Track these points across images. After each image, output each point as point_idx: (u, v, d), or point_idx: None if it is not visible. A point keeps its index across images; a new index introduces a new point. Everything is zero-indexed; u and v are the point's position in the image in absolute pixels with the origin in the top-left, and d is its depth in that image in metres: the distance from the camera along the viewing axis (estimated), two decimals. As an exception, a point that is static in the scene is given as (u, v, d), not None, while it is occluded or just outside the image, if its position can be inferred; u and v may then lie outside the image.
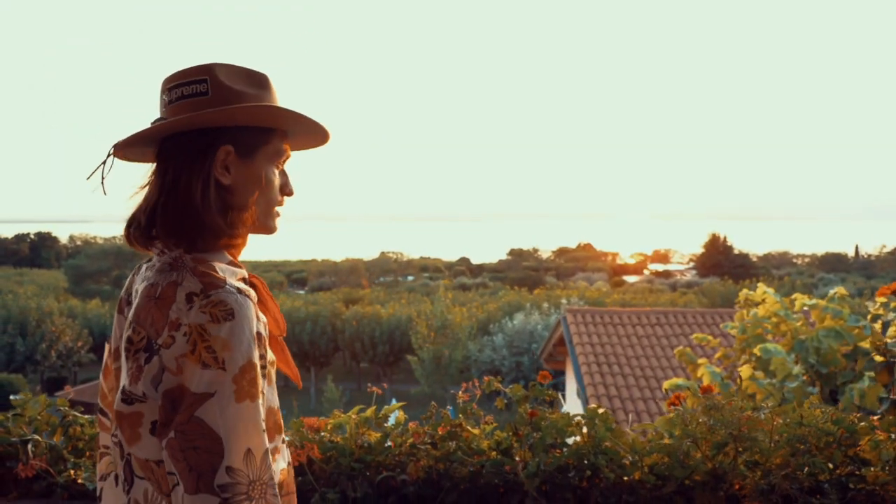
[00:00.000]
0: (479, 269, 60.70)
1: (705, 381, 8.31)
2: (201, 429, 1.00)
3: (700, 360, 8.34)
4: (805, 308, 8.24)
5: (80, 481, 2.00)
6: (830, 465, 1.91)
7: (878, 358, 7.63)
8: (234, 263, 1.18)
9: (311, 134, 1.25)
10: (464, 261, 66.61)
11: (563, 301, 28.13)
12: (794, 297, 8.63)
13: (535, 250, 67.20)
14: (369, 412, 2.38)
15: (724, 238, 54.45)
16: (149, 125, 1.16)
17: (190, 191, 1.13)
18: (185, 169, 1.14)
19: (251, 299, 1.09)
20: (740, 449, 1.94)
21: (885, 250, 63.53)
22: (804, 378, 7.43)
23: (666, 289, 43.61)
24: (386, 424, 2.36)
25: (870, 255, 63.19)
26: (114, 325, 1.23)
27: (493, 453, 2.12)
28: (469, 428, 2.20)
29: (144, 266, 1.20)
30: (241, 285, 1.11)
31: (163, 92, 1.18)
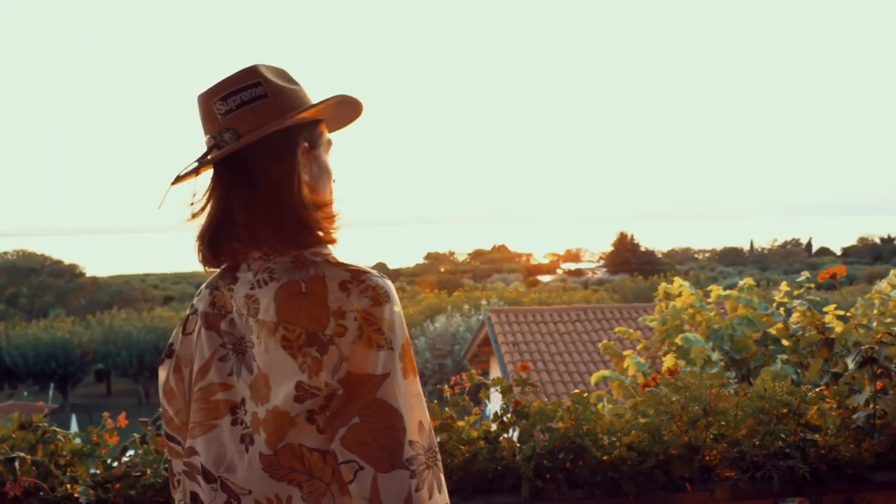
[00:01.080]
0: (396, 274, 60.73)
1: (631, 372, 8.72)
2: (385, 409, 1.04)
3: (626, 353, 8.78)
4: (720, 298, 8.81)
5: (76, 495, 1.97)
6: (787, 433, 2.13)
7: (786, 342, 8.13)
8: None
9: (345, 116, 1.28)
10: (380, 266, 66.47)
11: (483, 302, 28.58)
12: (709, 288, 9.20)
13: (451, 253, 67.91)
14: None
15: (632, 236, 56.84)
16: (228, 140, 1.13)
17: (288, 191, 1.15)
18: (276, 170, 1.15)
19: None
20: (710, 422, 2.13)
21: (777, 244, 68.10)
22: (721, 364, 7.95)
23: (579, 287, 45.01)
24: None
25: (763, 249, 67.51)
26: (200, 342, 1.19)
27: (482, 442, 2.23)
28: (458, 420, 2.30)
29: (244, 275, 1.15)
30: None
31: (212, 103, 1.16)
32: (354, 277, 1.09)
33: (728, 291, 9.18)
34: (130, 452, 2.30)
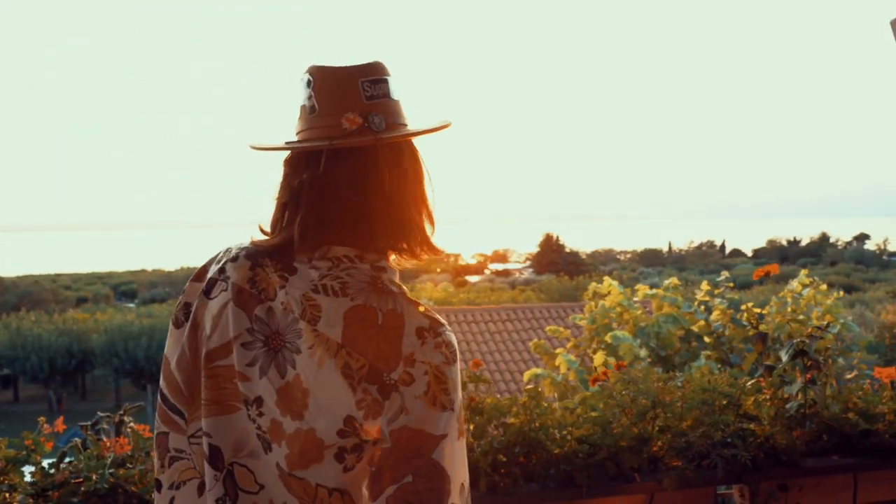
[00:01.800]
0: (324, 275, 59.79)
1: (562, 370, 8.93)
2: (438, 471, 1.01)
3: (557, 351, 8.97)
4: (646, 298, 9.13)
5: None
6: (728, 423, 2.23)
7: (708, 339, 8.47)
8: None
9: None
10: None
11: (413, 302, 28.51)
12: (636, 287, 9.52)
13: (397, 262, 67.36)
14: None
15: (557, 238, 58.03)
16: (378, 123, 1.08)
17: (424, 190, 1.14)
18: (413, 174, 1.13)
19: None
20: (657, 414, 2.21)
21: (693, 245, 71.02)
22: (649, 360, 8.24)
23: (506, 287, 45.60)
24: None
25: (681, 250, 70.26)
26: (225, 316, 1.10)
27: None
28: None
29: (306, 271, 1.08)
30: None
31: (360, 82, 1.09)
32: (433, 327, 1.06)
33: (654, 291, 9.52)
34: (68, 459, 2.20)
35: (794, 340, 2.36)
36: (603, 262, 62.06)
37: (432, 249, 1.16)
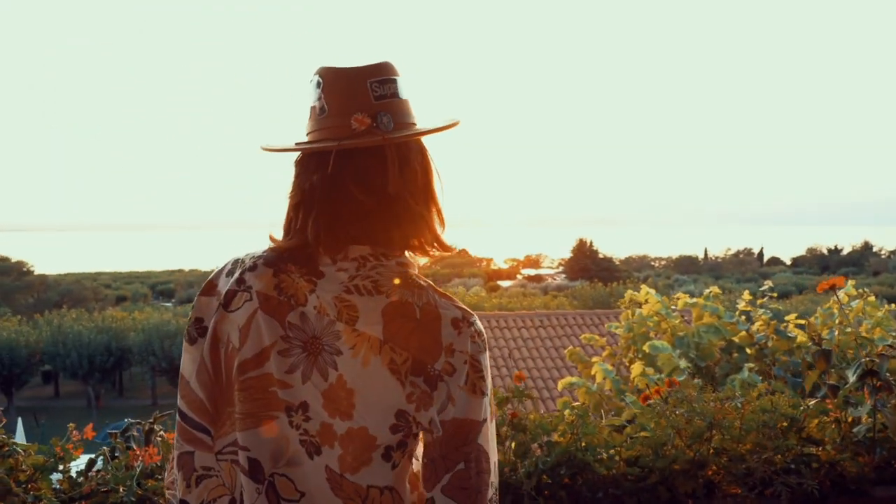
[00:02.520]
0: (357, 277, 60.11)
1: (598, 379, 8.76)
2: (483, 454, 1.06)
3: (593, 359, 8.79)
4: (687, 307, 8.90)
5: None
6: (790, 447, 2.07)
7: (750, 350, 8.20)
8: None
9: None
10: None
11: (445, 306, 28.44)
12: (676, 296, 9.30)
13: (412, 257, 67.60)
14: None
15: (591, 243, 57.45)
16: (387, 123, 1.09)
17: (434, 189, 1.15)
18: (423, 172, 1.14)
19: None
20: (714, 437, 2.06)
21: (730, 253, 69.66)
22: (689, 372, 8.01)
23: (538, 292, 45.29)
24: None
25: (717, 258, 69.01)
26: (256, 324, 1.08)
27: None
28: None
29: (333, 273, 1.08)
30: None
31: (368, 82, 1.10)
32: (465, 318, 1.09)
33: (695, 300, 9.29)
34: (97, 467, 2.14)
35: (863, 359, 2.19)
36: (637, 269, 61.33)
37: (443, 246, 1.17)
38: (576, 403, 2.09)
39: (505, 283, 57.01)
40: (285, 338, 1.07)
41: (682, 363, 8.54)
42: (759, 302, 7.55)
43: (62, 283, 45.49)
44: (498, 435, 2.19)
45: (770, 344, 7.28)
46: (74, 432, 2.16)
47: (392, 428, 1.05)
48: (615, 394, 8.36)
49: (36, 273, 45.17)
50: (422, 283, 1.12)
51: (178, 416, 1.14)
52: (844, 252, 65.95)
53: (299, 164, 1.13)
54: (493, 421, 1.12)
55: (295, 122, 1.18)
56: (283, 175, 1.17)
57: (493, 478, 1.09)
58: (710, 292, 9.74)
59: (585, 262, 55.31)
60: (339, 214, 1.08)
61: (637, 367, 8.63)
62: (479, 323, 1.11)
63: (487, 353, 1.12)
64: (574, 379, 9.68)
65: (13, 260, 43.87)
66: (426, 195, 1.14)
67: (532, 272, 66.86)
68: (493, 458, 1.10)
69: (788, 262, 66.44)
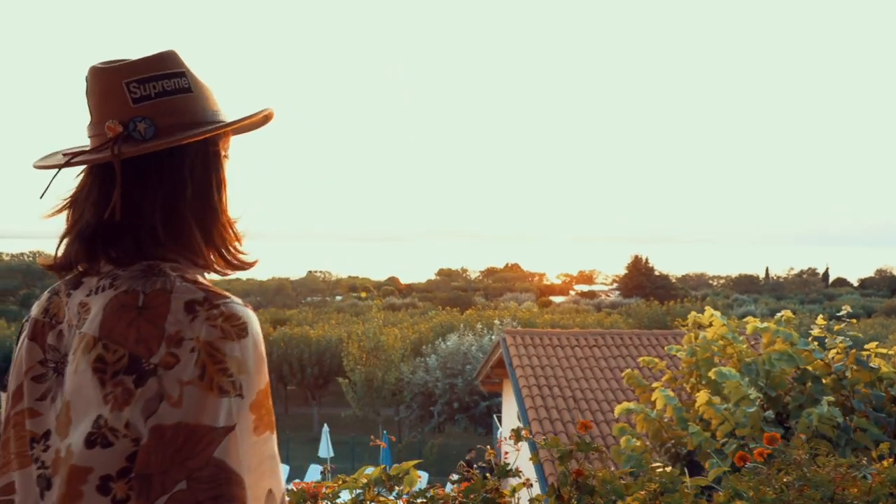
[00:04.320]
0: (409, 289, 60.38)
1: (658, 405, 8.32)
2: (223, 472, 0.82)
3: (654, 384, 8.35)
4: (757, 331, 8.39)
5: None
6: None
7: (826, 381, 7.64)
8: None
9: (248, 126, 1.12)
10: (392, 280, 66.12)
11: (496, 322, 28.12)
12: (746, 320, 8.79)
13: (464, 270, 67.50)
14: (376, 472, 2.06)
15: (646, 260, 56.20)
16: (143, 130, 0.94)
17: (212, 199, 0.99)
18: (201, 176, 0.98)
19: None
20: (827, 507, 1.74)
21: (793, 273, 67.20)
22: (759, 403, 7.52)
23: (591, 309, 44.44)
24: (399, 487, 2.05)
25: (779, 277, 66.65)
26: (20, 355, 0.98)
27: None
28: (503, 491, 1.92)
29: (89, 280, 0.97)
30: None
31: (124, 83, 0.95)
32: (207, 299, 0.89)
33: (766, 324, 8.74)
34: None
35: None
36: (694, 287, 59.72)
37: (225, 262, 1.02)
38: (655, 466, 1.80)
39: (557, 299, 56.26)
40: (43, 362, 0.97)
41: (752, 393, 8.02)
42: (836, 328, 7.03)
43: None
44: (560, 497, 1.91)
45: (849, 375, 6.75)
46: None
47: (88, 440, 0.84)
48: (677, 422, 7.92)
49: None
50: (170, 272, 0.93)
51: None
52: (917, 274, 62.82)
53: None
54: (265, 436, 0.88)
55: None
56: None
57: None
58: (782, 316, 9.16)
59: (640, 279, 54.09)
60: (92, 227, 0.95)
61: (703, 396, 8.15)
62: (234, 305, 0.90)
63: (247, 342, 0.88)
64: (632, 405, 9.23)
65: None
66: (196, 207, 0.98)
67: (585, 288, 65.82)
68: (264, 484, 0.86)
69: (855, 284, 63.63)
